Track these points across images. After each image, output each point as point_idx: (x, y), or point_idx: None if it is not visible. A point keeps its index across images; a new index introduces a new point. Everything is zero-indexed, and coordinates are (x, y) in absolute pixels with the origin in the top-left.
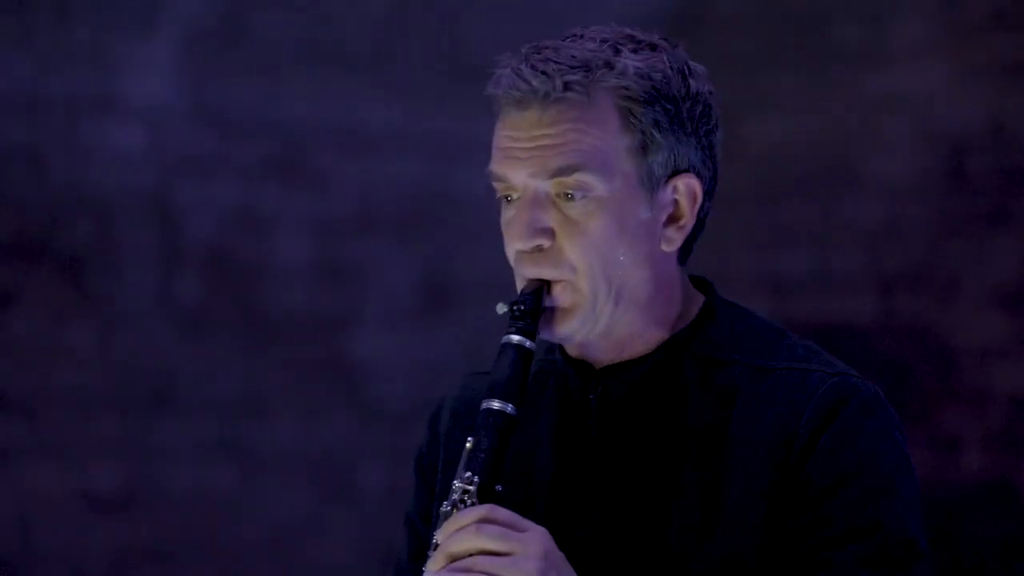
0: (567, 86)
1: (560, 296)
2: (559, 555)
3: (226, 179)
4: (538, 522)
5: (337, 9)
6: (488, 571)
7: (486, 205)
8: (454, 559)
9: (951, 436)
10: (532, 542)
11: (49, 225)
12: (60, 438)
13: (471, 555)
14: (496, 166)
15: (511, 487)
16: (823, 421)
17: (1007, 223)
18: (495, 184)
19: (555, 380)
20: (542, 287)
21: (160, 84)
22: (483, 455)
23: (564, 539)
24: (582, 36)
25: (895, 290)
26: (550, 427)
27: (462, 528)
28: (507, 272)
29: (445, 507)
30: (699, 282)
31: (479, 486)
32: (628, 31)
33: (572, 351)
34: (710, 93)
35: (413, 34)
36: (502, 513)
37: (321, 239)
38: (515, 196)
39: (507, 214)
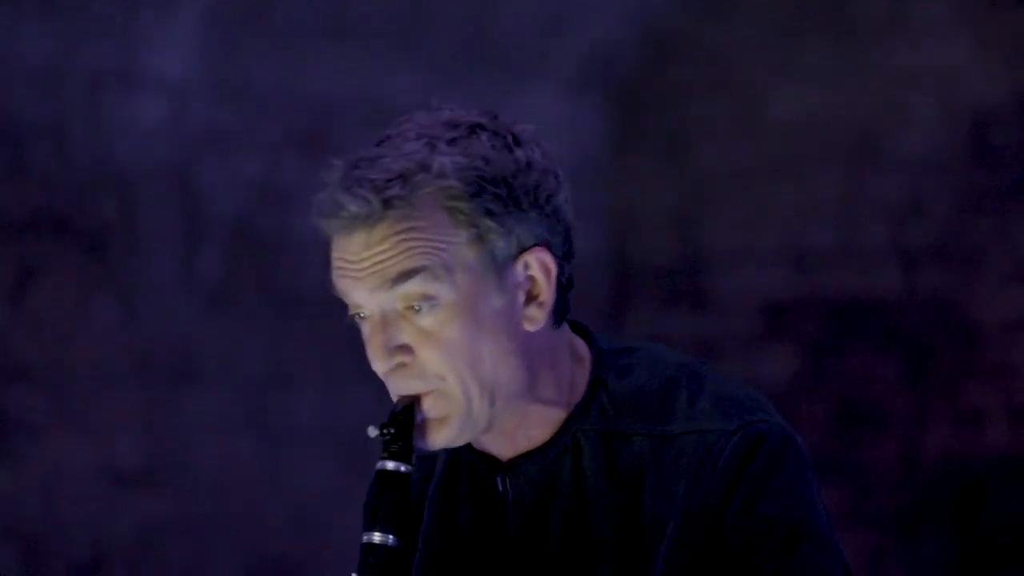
0: (386, 203)
1: (431, 407)
2: None
3: (249, 154)
4: None
5: None
6: None
7: None
8: None
9: (975, 410)
10: None
11: (72, 200)
12: (84, 412)
13: None
14: (338, 284)
15: None
16: (730, 486)
17: None
18: (344, 299)
19: (467, 470)
20: (412, 403)
21: (183, 59)
22: None
23: None
24: (397, 135)
25: (919, 264)
26: (468, 520)
27: None
28: None
29: None
30: (579, 329)
31: None
32: (446, 116)
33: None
34: (543, 155)
35: (438, 8)
36: None
37: None
38: (365, 313)
39: (364, 332)
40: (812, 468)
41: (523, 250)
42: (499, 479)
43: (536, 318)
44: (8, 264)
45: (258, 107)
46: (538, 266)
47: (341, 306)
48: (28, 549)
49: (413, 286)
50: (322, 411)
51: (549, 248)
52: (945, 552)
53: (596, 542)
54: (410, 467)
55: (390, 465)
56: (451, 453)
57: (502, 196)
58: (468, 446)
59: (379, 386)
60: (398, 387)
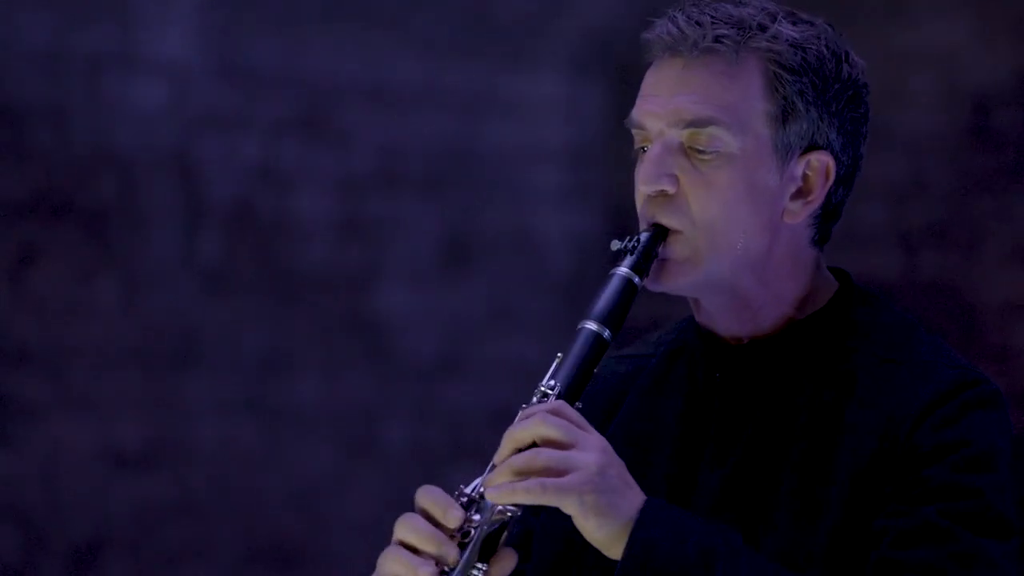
0: (717, 39)
1: (674, 248)
2: (618, 459)
3: (249, 136)
4: (657, 495)
5: None
6: (548, 465)
7: (509, 162)
8: (517, 446)
9: None
10: (593, 439)
11: (72, 182)
12: (84, 395)
13: (533, 443)
14: (635, 113)
15: (632, 458)
16: (934, 405)
17: None
18: (634, 133)
19: (686, 360)
20: (659, 232)
21: (183, 41)
22: (569, 368)
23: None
24: (745, 4)
25: (919, 246)
26: (677, 405)
27: (529, 416)
28: (529, 228)
29: (523, 409)
30: (838, 273)
31: (558, 394)
32: (791, 10)
33: (701, 319)
34: (864, 86)
35: None
36: (570, 411)
37: (344, 196)
38: (650, 146)
39: (642, 160)
40: (1012, 440)
41: (813, 148)
42: (717, 363)
43: (797, 214)
44: (9, 246)
45: (258, 89)
46: (819, 167)
47: (342, 287)
48: (29, 531)
49: (703, 132)
50: (321, 393)
51: (835, 159)
52: None
53: (789, 437)
54: (641, 282)
55: (623, 271)
56: (671, 345)
57: (818, 88)
58: (696, 326)
59: (378, 369)
60: (651, 214)
